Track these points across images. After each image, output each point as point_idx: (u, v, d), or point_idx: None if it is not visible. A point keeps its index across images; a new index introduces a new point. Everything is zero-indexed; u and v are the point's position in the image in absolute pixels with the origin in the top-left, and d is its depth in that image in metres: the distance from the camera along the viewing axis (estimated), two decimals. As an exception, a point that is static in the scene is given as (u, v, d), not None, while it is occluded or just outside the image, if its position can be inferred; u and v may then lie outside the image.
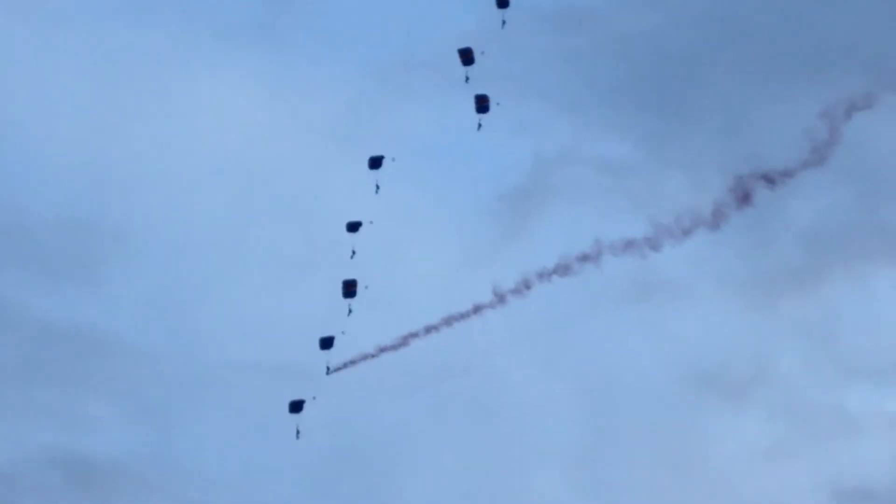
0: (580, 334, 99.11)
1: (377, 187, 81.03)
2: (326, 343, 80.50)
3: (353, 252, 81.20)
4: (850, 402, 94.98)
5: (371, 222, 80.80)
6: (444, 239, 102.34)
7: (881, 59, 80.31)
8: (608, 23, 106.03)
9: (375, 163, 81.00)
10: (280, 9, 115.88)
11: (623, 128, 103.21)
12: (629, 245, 79.53)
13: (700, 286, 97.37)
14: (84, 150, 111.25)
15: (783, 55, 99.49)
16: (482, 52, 78.46)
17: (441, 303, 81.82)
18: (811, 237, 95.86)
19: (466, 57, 78.60)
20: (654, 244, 79.16)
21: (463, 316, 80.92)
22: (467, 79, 79.01)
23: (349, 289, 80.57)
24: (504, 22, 77.84)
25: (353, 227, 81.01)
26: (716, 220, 77.90)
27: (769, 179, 76.70)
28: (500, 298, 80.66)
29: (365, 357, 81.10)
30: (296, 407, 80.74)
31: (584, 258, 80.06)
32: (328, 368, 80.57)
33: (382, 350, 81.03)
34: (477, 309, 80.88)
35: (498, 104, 79.26)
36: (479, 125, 79.44)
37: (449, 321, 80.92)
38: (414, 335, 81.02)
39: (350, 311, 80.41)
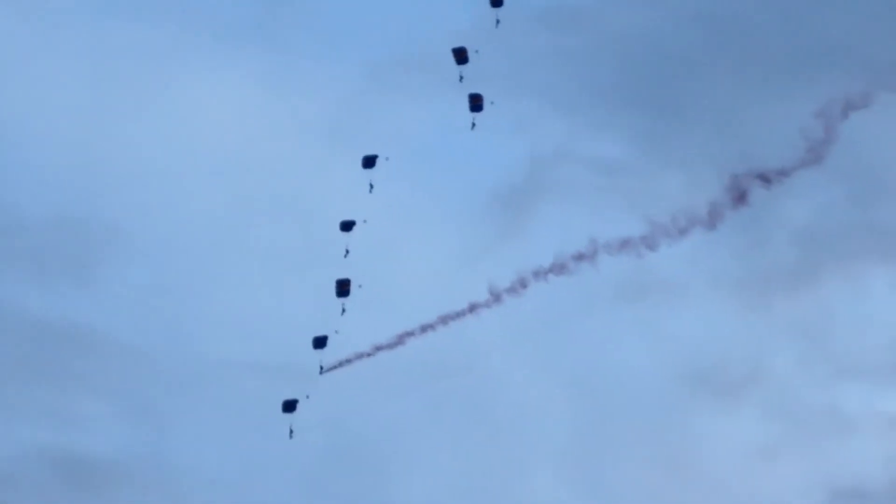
0: (575, 333, 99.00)
1: (371, 186, 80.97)
2: (320, 342, 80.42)
3: (347, 251, 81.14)
4: (845, 402, 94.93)
5: (364, 221, 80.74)
6: (438, 238, 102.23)
7: (877, 58, 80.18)
8: (602, 22, 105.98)
9: (369, 162, 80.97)
10: (275, 8, 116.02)
11: (618, 127, 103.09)
12: (624, 244, 79.50)
13: (695, 285, 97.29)
14: (79, 148, 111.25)
15: (779, 54, 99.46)
16: (476, 51, 78.43)
17: (436, 301, 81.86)
18: (807, 237, 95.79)
19: (460, 56, 78.56)
20: (649, 243, 79.15)
21: (458, 315, 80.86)
22: (461, 78, 78.94)
23: (342, 288, 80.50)
24: (498, 21, 77.79)
25: (347, 226, 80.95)
26: (711, 219, 77.90)
27: (765, 179, 76.67)
28: (496, 297, 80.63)
29: (360, 356, 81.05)
30: (289, 406, 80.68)
31: (580, 257, 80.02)
32: (321, 368, 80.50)
33: (378, 349, 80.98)
34: (472, 308, 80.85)
35: (492, 103, 79.17)
36: (474, 124, 79.35)
37: (444, 320, 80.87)
38: (409, 334, 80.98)
39: (343, 310, 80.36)
